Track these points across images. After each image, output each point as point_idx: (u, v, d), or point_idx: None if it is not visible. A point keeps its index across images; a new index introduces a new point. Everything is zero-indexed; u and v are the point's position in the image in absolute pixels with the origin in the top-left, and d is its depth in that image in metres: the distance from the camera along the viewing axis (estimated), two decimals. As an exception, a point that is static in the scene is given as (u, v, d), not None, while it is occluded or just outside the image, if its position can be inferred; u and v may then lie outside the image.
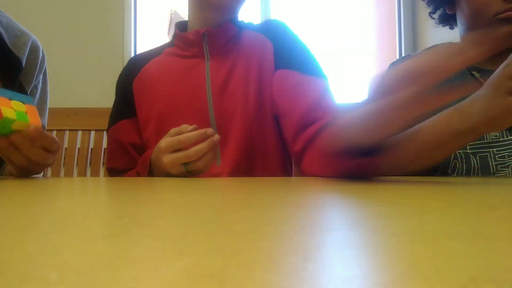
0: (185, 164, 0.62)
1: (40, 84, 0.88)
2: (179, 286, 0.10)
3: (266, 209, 0.24)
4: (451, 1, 0.83)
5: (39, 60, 0.86)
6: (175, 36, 0.81)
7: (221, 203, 0.28)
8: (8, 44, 0.79)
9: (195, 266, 0.11)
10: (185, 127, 0.62)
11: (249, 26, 0.82)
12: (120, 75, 0.86)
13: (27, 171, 0.65)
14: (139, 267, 0.11)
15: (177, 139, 0.61)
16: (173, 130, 0.63)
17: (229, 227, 0.18)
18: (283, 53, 0.74)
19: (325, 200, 0.31)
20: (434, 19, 0.89)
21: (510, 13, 0.69)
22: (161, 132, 0.68)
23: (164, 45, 0.86)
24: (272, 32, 0.78)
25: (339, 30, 2.34)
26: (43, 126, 0.88)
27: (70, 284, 0.10)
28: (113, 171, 0.82)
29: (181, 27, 0.82)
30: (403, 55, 1.92)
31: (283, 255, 0.13)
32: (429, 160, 0.57)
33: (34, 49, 0.85)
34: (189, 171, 0.63)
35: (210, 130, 0.60)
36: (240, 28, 0.80)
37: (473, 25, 0.76)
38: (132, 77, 0.82)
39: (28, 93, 0.84)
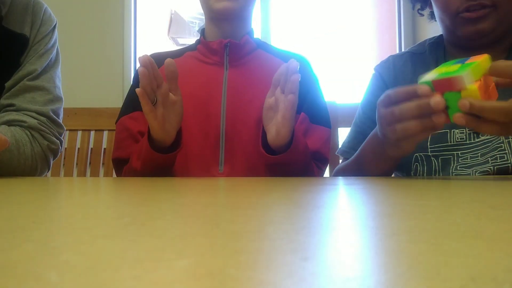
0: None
1: (52, 41, 0.83)
2: (179, 286, 0.10)
3: (266, 209, 0.24)
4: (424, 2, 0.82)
5: (31, 7, 0.79)
6: (198, 42, 0.85)
7: (221, 203, 0.28)
8: (7, 26, 0.74)
9: (195, 266, 0.11)
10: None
11: (270, 49, 0.87)
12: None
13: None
14: (139, 267, 0.11)
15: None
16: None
17: (229, 227, 0.18)
18: (305, 95, 0.80)
19: (325, 200, 0.31)
20: (423, 15, 0.89)
21: (471, 13, 0.67)
22: None
23: (185, 48, 0.89)
24: (299, 68, 0.84)
25: (339, 30, 2.34)
26: (58, 98, 0.84)
27: (70, 284, 0.10)
28: (119, 162, 0.80)
29: (203, 33, 0.86)
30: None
31: (283, 255, 0.13)
32: (375, 171, 0.67)
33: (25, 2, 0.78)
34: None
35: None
36: (258, 45, 0.85)
37: (442, 23, 0.76)
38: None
39: (28, 36, 0.77)
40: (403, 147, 0.56)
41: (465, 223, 0.19)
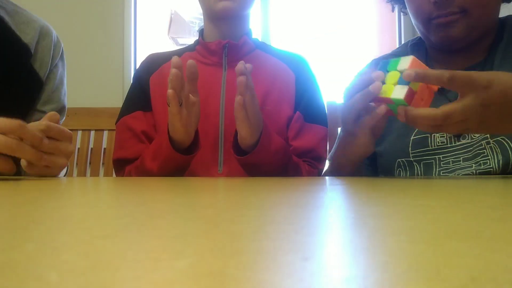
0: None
1: (59, 69, 0.87)
2: (179, 286, 0.10)
3: (266, 209, 0.24)
4: (402, 3, 0.82)
5: (53, 45, 0.85)
6: (197, 42, 0.85)
7: (221, 203, 0.28)
8: (16, 31, 0.78)
9: (195, 266, 0.11)
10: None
11: (268, 49, 0.88)
12: (138, 69, 0.87)
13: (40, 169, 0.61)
14: (139, 267, 0.11)
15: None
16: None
17: (229, 227, 0.18)
18: (302, 94, 0.82)
19: (325, 200, 0.31)
20: (407, 14, 0.89)
21: (441, 19, 0.68)
22: None
23: (183, 48, 0.89)
24: (296, 66, 0.85)
25: (339, 30, 2.34)
26: (63, 107, 0.87)
27: (70, 284, 0.10)
28: (120, 162, 0.80)
29: (201, 33, 0.86)
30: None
31: (283, 255, 0.13)
32: (345, 171, 0.71)
33: (46, 35, 0.84)
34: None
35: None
36: (256, 45, 0.86)
37: (418, 29, 0.77)
38: (150, 73, 0.84)
39: (44, 78, 0.82)
40: (358, 135, 0.62)
41: (465, 223, 0.19)
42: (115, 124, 0.84)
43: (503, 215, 0.21)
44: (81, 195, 0.35)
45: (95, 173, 1.21)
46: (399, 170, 0.77)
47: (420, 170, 0.74)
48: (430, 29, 0.71)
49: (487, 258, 0.12)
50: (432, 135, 0.74)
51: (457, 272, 0.11)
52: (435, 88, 0.55)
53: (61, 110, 0.86)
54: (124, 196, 0.34)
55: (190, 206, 0.26)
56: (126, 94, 0.88)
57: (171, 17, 2.66)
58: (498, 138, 0.68)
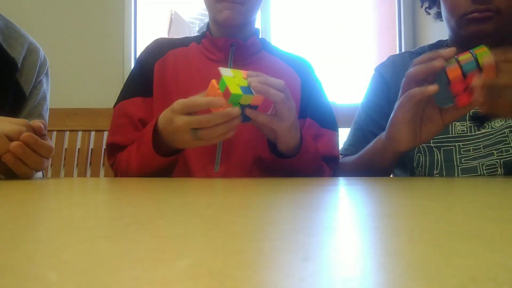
0: (194, 130, 0.60)
1: (43, 85, 0.89)
2: (179, 286, 0.10)
3: (266, 209, 0.24)
4: (435, 1, 0.85)
5: (39, 63, 0.88)
6: (203, 35, 0.84)
7: (221, 203, 0.28)
8: (3, 45, 0.80)
9: (195, 266, 0.11)
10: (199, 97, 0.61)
11: (274, 51, 0.87)
12: (143, 53, 0.85)
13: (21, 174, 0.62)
14: (139, 267, 0.11)
15: (192, 102, 0.60)
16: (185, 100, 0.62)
17: (229, 227, 0.18)
18: (309, 99, 0.82)
19: (325, 200, 0.31)
20: (429, 14, 0.91)
21: (476, 14, 0.71)
22: None
23: (190, 38, 0.87)
24: (301, 70, 0.85)
25: (339, 30, 2.34)
26: (44, 125, 0.88)
27: (70, 284, 0.10)
28: (114, 147, 0.78)
29: (208, 27, 0.85)
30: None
31: (283, 255, 0.13)
32: (375, 169, 0.70)
33: (33, 52, 0.87)
34: (197, 139, 0.60)
35: (235, 110, 0.58)
36: (263, 45, 0.85)
37: (448, 23, 0.79)
38: (155, 58, 0.82)
39: (27, 93, 0.84)
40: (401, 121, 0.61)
41: (465, 223, 0.19)
42: (113, 107, 0.82)
43: (503, 215, 0.21)
44: (81, 196, 0.35)
45: (95, 174, 1.21)
46: (419, 155, 0.78)
47: (440, 156, 0.76)
48: (462, 24, 0.74)
49: (487, 258, 0.12)
50: (453, 123, 0.75)
51: (457, 272, 0.11)
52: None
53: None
54: (124, 197, 0.34)
55: (190, 206, 0.26)
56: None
57: (171, 17, 2.66)
58: None
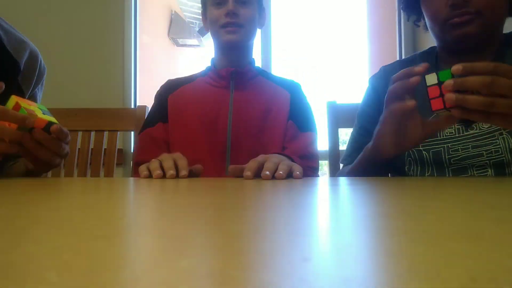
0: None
1: (37, 100, 0.94)
2: (179, 286, 0.10)
3: (266, 210, 0.24)
4: (419, 11, 0.86)
5: (38, 68, 0.91)
6: (209, 69, 1.03)
7: (221, 203, 0.28)
8: (8, 48, 0.82)
9: (195, 266, 0.11)
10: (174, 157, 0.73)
11: (269, 75, 1.06)
12: (159, 90, 1.06)
13: (44, 165, 0.71)
14: (139, 267, 0.11)
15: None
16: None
17: (229, 227, 0.18)
18: (296, 109, 0.99)
19: (325, 200, 0.31)
20: (419, 26, 0.94)
21: (456, 19, 0.73)
22: (188, 137, 0.93)
23: (195, 74, 1.07)
24: (291, 88, 1.04)
25: (340, 32, 2.34)
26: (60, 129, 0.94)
27: (70, 284, 0.10)
28: (139, 164, 0.86)
29: (213, 62, 1.05)
30: (403, 57, 1.92)
31: (283, 255, 0.13)
32: (369, 175, 0.74)
33: (33, 57, 0.90)
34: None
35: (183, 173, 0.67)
36: (258, 71, 1.04)
37: (434, 32, 0.81)
38: (168, 92, 1.02)
39: (26, 97, 0.86)
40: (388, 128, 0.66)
41: (465, 223, 0.19)
42: (138, 134, 1.00)
43: (503, 215, 0.21)
44: (82, 196, 0.35)
45: (95, 174, 1.21)
46: (409, 159, 0.82)
47: (430, 159, 0.78)
48: (445, 30, 0.76)
49: (487, 259, 0.12)
50: None
51: (457, 273, 0.11)
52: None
53: None
54: (124, 197, 0.34)
55: (190, 206, 0.26)
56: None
57: (171, 17, 2.66)
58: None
